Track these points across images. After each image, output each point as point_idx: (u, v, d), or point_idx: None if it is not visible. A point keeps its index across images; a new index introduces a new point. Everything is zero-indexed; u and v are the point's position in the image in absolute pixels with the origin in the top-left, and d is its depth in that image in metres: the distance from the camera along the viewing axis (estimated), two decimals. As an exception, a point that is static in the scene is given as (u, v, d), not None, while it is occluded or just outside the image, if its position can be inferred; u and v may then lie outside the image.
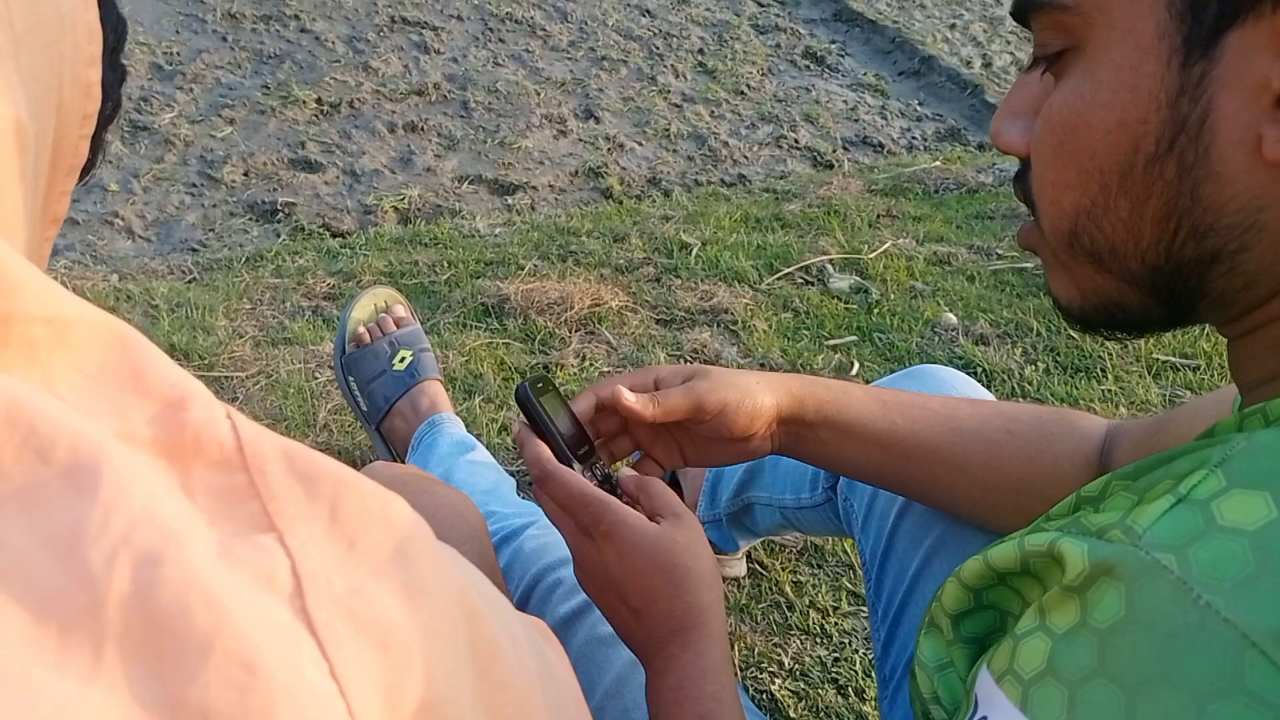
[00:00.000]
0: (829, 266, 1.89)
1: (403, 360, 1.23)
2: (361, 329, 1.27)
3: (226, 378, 1.40)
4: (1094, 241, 0.41)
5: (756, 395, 0.64)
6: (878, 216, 2.17)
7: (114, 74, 0.37)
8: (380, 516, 0.23)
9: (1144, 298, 0.42)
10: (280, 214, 2.21)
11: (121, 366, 0.23)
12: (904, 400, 0.68)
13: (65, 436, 0.20)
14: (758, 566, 1.17)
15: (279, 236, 2.11)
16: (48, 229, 0.34)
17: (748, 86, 3.26)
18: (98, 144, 0.35)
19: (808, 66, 3.55)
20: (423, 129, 2.66)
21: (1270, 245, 0.38)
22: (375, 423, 1.23)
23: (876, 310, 1.75)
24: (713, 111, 3.07)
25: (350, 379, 1.24)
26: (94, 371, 0.23)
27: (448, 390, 1.32)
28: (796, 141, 2.95)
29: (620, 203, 2.42)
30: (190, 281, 1.78)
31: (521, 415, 0.63)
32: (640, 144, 2.80)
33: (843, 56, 3.67)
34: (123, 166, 2.27)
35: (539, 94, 2.96)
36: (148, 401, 0.22)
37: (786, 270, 1.86)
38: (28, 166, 0.29)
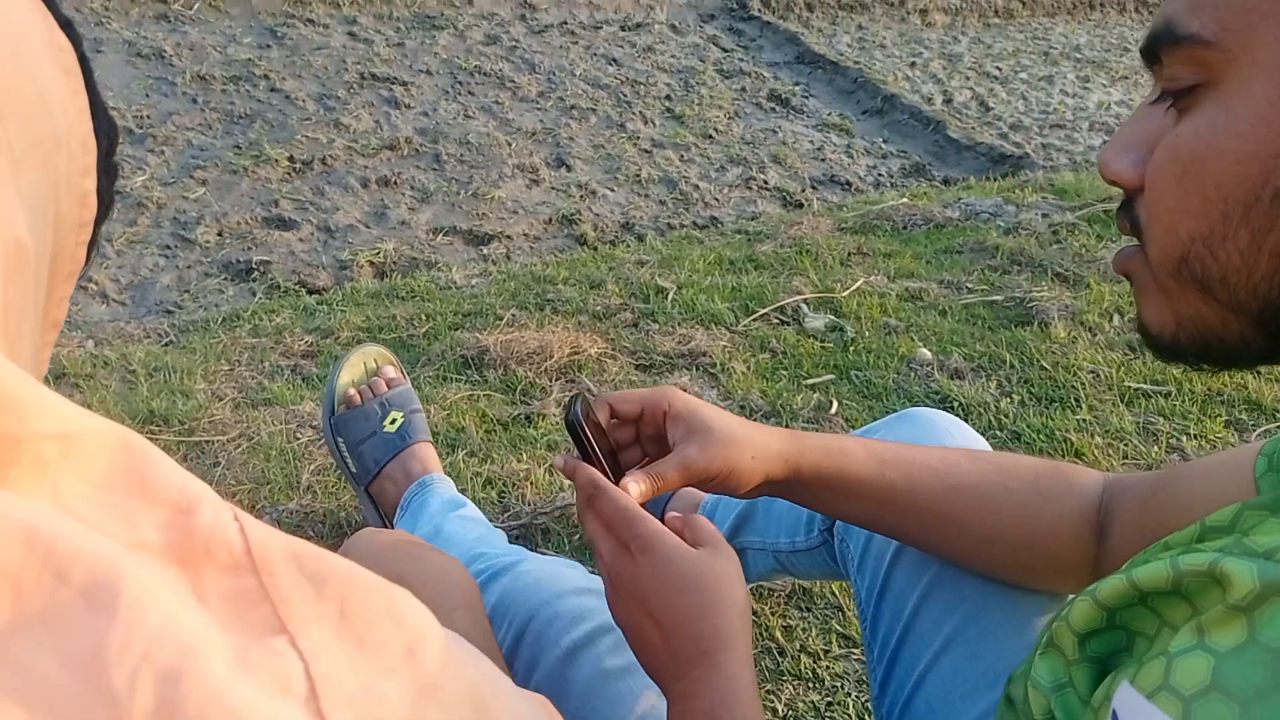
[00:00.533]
0: (804, 306, 1.92)
1: (394, 422, 1.22)
2: (352, 390, 1.26)
3: (208, 442, 1.39)
4: (1206, 269, 0.43)
5: (744, 468, 0.65)
6: (849, 254, 2.21)
7: (107, 178, 0.38)
8: (387, 614, 0.24)
9: (1247, 328, 0.43)
10: (256, 272, 2.21)
11: (129, 474, 0.24)
12: (902, 456, 0.69)
13: (83, 556, 0.20)
14: (747, 610, 1.17)
15: (255, 295, 2.11)
16: (47, 334, 0.35)
17: (715, 130, 3.32)
18: (92, 243, 0.36)
19: (773, 109, 3.61)
20: (396, 183, 2.68)
21: None
22: (365, 484, 1.22)
23: (852, 348, 1.77)
24: (682, 155, 3.12)
25: (340, 440, 1.23)
26: (101, 481, 0.23)
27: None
28: (766, 182, 3.00)
29: (595, 249, 2.44)
30: (167, 344, 1.78)
31: (570, 438, 0.64)
32: (612, 190, 2.83)
33: (807, 98, 3.75)
34: (95, 231, 2.27)
35: (510, 144, 2.99)
36: (156, 508, 0.23)
37: (762, 311, 1.89)
38: (28, 281, 0.30)
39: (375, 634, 0.23)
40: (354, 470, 1.22)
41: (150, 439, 1.38)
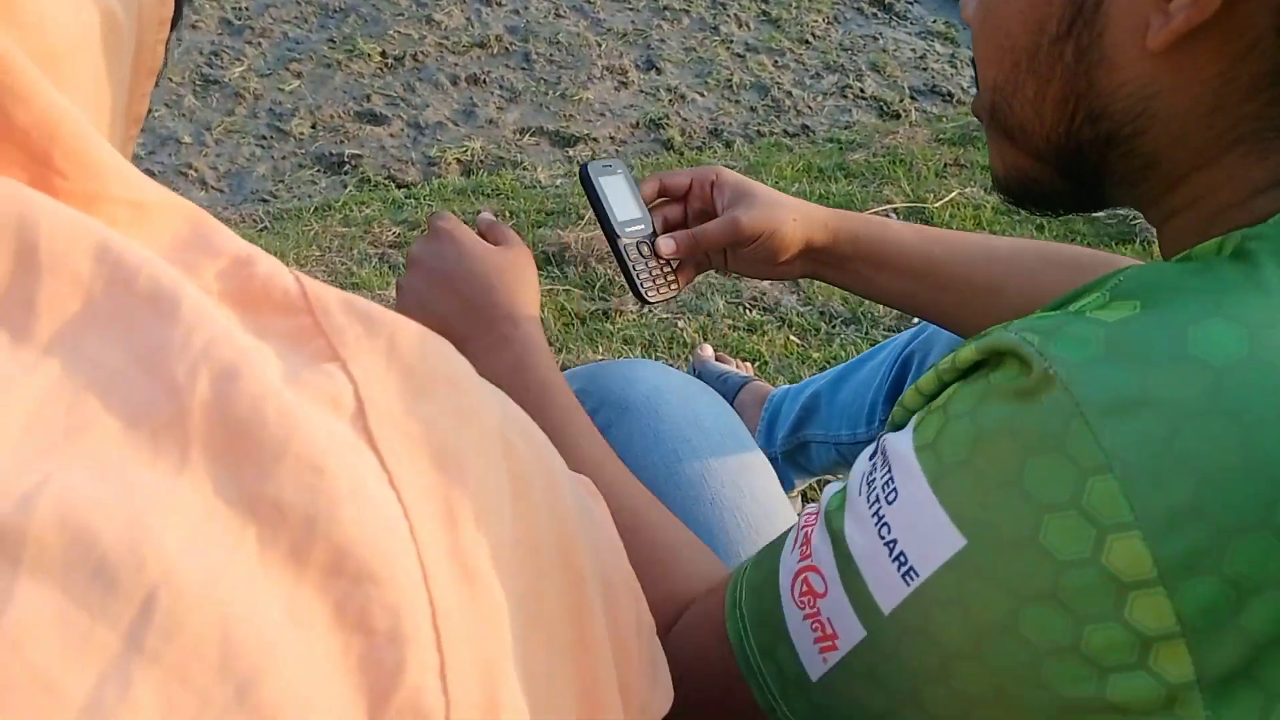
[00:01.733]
0: (893, 215, 1.86)
1: None
2: None
3: (296, 321, 1.44)
4: (1007, 119, 0.44)
5: (787, 230, 0.68)
6: (945, 166, 2.13)
7: None
8: (434, 351, 0.25)
9: (1053, 175, 0.45)
10: (347, 165, 2.25)
11: (193, 238, 0.25)
12: (941, 233, 0.72)
13: (147, 267, 0.22)
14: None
15: (346, 187, 2.15)
16: (130, 128, 0.36)
17: (813, 35, 3.19)
18: (167, 46, 0.37)
19: (875, 14, 3.45)
20: (485, 81, 2.67)
21: (1163, 130, 0.39)
22: None
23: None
24: (776, 61, 3.02)
25: None
26: (168, 243, 0.25)
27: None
28: (862, 91, 2.88)
29: (681, 154, 2.40)
30: (262, 230, 1.83)
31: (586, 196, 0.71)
32: (702, 95, 2.77)
33: (911, 3, 3.57)
34: (195, 119, 2.33)
35: (600, 45, 2.94)
36: (217, 259, 0.24)
37: (849, 219, 1.84)
38: (121, 58, 0.31)
39: (423, 366, 0.24)
40: None
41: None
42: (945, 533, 0.36)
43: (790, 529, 0.45)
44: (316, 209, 1.93)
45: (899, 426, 0.41)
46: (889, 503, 0.38)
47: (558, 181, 2.13)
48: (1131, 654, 0.33)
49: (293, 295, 0.24)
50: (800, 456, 0.99)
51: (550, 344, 1.42)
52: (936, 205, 1.89)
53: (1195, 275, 0.36)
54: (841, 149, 2.31)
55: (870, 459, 0.42)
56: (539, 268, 1.65)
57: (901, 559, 0.37)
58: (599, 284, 1.60)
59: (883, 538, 0.38)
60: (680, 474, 0.59)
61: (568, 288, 1.60)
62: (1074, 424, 0.33)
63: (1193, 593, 0.31)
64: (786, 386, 1.04)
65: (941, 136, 2.34)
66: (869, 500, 0.39)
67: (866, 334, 1.48)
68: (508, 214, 1.87)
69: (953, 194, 1.94)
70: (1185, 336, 0.33)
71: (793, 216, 0.68)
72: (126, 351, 0.20)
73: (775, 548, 0.45)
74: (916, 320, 1.52)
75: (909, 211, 1.88)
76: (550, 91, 2.66)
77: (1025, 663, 0.34)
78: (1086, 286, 0.39)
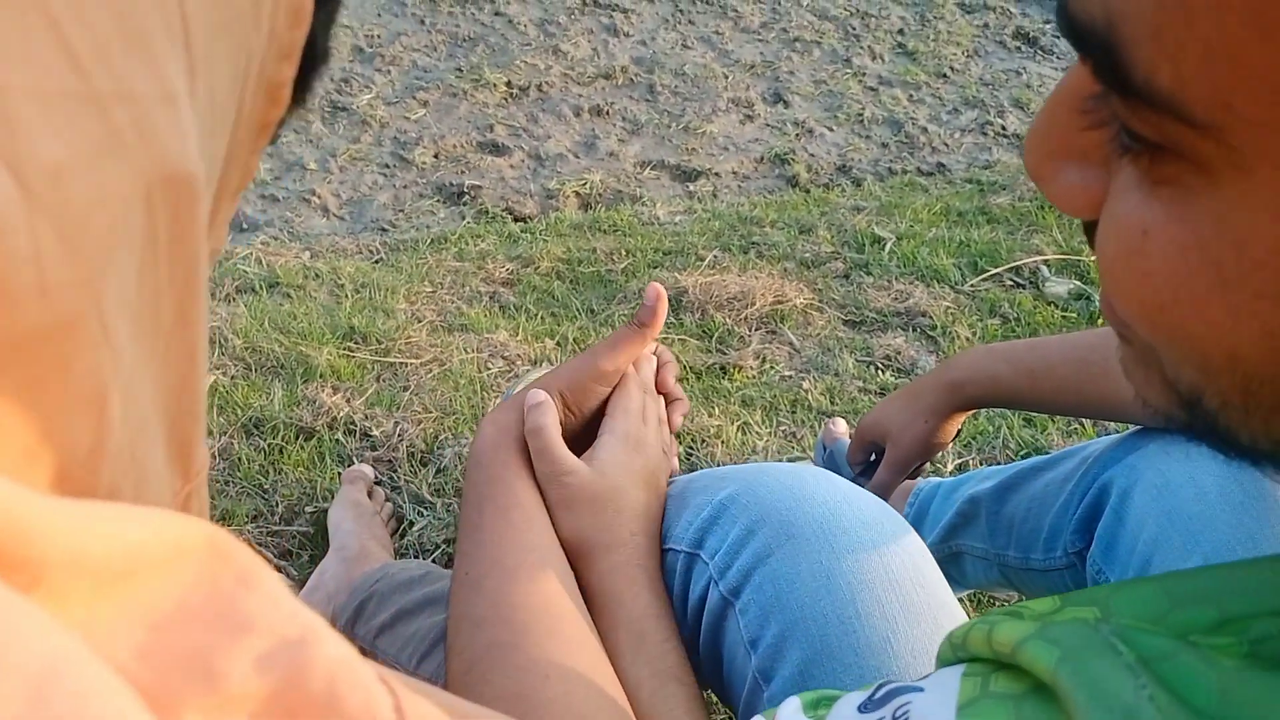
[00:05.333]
0: (1044, 268, 1.69)
1: None
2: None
3: (401, 364, 1.39)
4: (1214, 430, 0.28)
5: (919, 430, 0.80)
6: (1101, 213, 1.94)
7: (315, 55, 0.28)
8: None
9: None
10: (466, 196, 2.22)
11: (208, 603, 0.15)
12: (1039, 358, 0.74)
13: None
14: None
15: (464, 219, 2.12)
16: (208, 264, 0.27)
17: (951, 69, 3.03)
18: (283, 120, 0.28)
19: (1018, 48, 3.26)
20: (608, 112, 2.62)
21: None
22: None
23: (1101, 319, 1.54)
24: (911, 95, 2.87)
25: None
26: (150, 636, 0.14)
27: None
28: (1004, 128, 2.71)
29: (807, 191, 2.29)
30: (377, 261, 1.80)
31: None
32: (831, 129, 2.64)
33: (1057, 38, 3.35)
34: (321, 146, 2.35)
35: (726, 76, 2.85)
36: (249, 642, 0.15)
37: (994, 270, 1.68)
38: (191, 223, 0.21)
39: None
40: None
41: (347, 356, 1.39)
42: None
43: None
44: (433, 240, 1.90)
45: (946, 662, 0.30)
46: None
47: (677, 218, 2.04)
48: None
49: (378, 709, 0.14)
50: (951, 567, 0.86)
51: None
52: (1093, 259, 1.71)
53: None
54: (983, 191, 2.15)
55: (868, 712, 0.31)
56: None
57: None
58: (717, 334, 1.50)
59: None
60: (859, 633, 0.47)
61: (683, 337, 1.50)
62: None
63: None
64: (936, 481, 0.92)
65: (1096, 180, 2.15)
66: None
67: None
68: (624, 252, 1.79)
69: (1111, 246, 1.76)
70: None
71: (925, 419, 0.79)
72: None
73: None
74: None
75: (1062, 264, 1.71)
76: (673, 124, 2.59)
77: None
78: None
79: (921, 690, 0.30)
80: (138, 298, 0.20)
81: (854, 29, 3.27)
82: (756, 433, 1.27)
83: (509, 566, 0.52)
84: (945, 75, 3.00)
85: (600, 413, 0.62)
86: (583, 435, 0.61)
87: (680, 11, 3.28)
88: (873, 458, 0.90)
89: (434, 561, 1.04)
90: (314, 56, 0.27)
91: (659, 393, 0.67)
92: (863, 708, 0.31)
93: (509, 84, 2.70)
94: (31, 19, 0.17)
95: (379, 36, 2.91)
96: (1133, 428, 0.68)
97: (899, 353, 1.46)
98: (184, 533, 0.16)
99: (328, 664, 0.14)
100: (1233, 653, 0.25)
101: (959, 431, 0.85)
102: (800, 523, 0.51)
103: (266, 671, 0.14)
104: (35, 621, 0.12)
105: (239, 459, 1.16)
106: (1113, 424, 1.21)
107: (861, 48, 3.13)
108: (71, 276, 0.17)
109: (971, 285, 1.65)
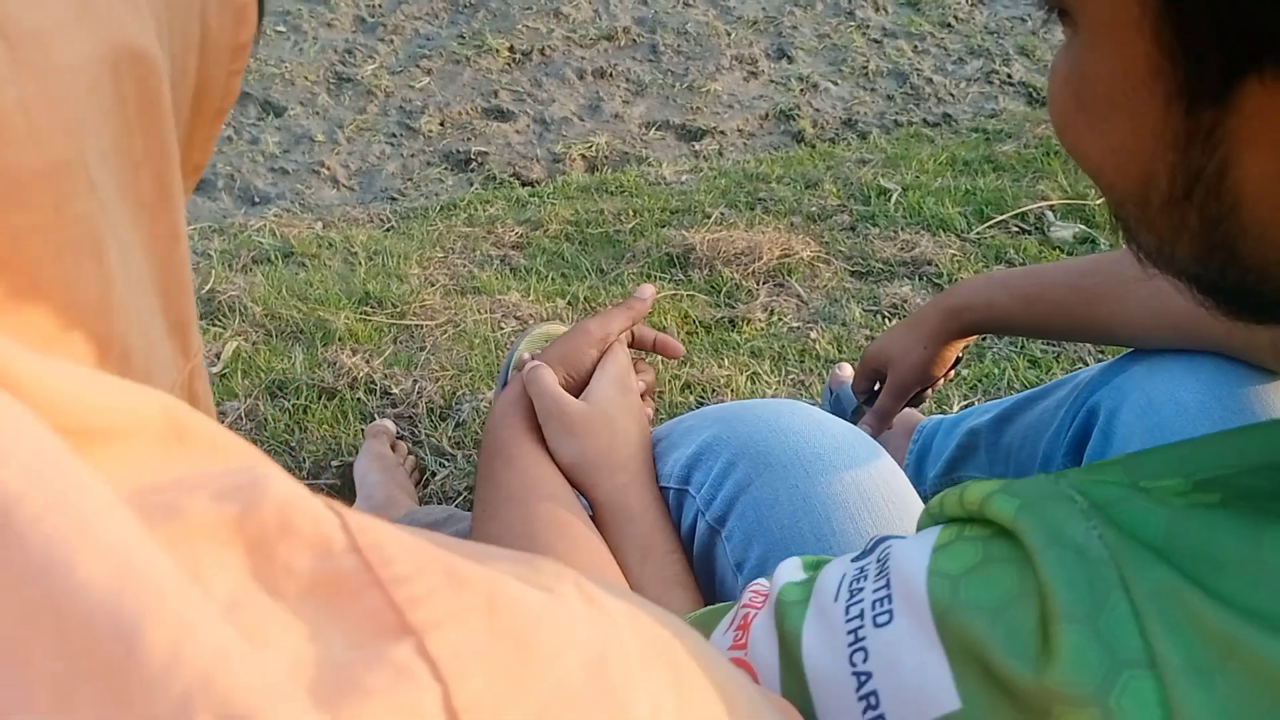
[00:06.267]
0: (1049, 213, 1.70)
1: None
2: (527, 355, 1.18)
3: (416, 326, 1.42)
4: (1137, 245, 0.34)
5: (916, 357, 0.82)
6: (1106, 158, 1.94)
7: None
8: (552, 608, 0.17)
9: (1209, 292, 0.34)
10: (474, 163, 2.24)
11: (167, 462, 0.17)
12: (1039, 285, 0.76)
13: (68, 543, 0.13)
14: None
15: (472, 185, 2.14)
16: (189, 178, 0.30)
17: (955, 18, 3.01)
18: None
19: (1025, -7, 3.23)
20: (611, 74, 2.62)
21: None
22: None
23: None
24: (916, 46, 2.85)
25: None
26: (134, 484, 0.16)
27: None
28: (1009, 76, 2.69)
29: (813, 146, 2.29)
30: (388, 230, 1.83)
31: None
32: (835, 83, 2.64)
33: (1066, -20, 3.32)
34: (328, 117, 2.37)
35: (729, 34, 2.84)
36: (209, 483, 0.16)
37: (1000, 217, 1.69)
38: (155, 102, 0.24)
39: (544, 636, 0.15)
40: None
41: (364, 320, 1.43)
42: (939, 687, 0.28)
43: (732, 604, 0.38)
44: (442, 208, 1.92)
45: (923, 526, 0.34)
46: (877, 625, 0.31)
47: (683, 178, 2.05)
48: None
49: (325, 527, 0.15)
50: (953, 498, 0.89)
51: (673, 353, 1.36)
52: (1099, 202, 1.72)
53: None
54: (988, 140, 2.15)
55: (857, 560, 0.34)
56: (661, 271, 1.59)
57: (871, 701, 0.30)
58: (725, 288, 1.52)
59: (854, 665, 0.30)
60: (835, 548, 0.51)
61: (692, 293, 1.52)
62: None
63: None
64: (939, 417, 0.94)
65: (1102, 125, 2.15)
66: (847, 612, 0.32)
67: (1023, 349, 1.35)
68: (631, 212, 1.81)
69: (1116, 190, 1.77)
70: None
71: (924, 345, 0.81)
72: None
73: (708, 620, 0.38)
74: (1099, 350, 1.37)
75: (1067, 209, 1.72)
76: (677, 84, 2.59)
77: None
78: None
79: (904, 538, 0.34)
80: (117, 163, 0.23)
81: (857, -19, 3.25)
82: (765, 381, 1.30)
83: (519, 497, 0.57)
84: (950, 25, 2.98)
85: (591, 375, 0.68)
86: (578, 396, 0.67)
87: (681, -30, 3.26)
88: (876, 386, 0.92)
89: (457, 508, 1.08)
90: None
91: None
92: (855, 558, 0.35)
93: (511, 49, 2.71)
94: None
95: (380, 6, 2.91)
96: (1124, 352, 0.70)
97: (905, 301, 1.48)
98: (143, 401, 0.17)
99: (278, 496, 0.15)
100: (1179, 492, 0.29)
101: (959, 360, 0.86)
102: (776, 452, 0.55)
103: (223, 503, 0.15)
104: (33, 422, 0.14)
105: (265, 420, 1.20)
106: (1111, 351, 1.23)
107: (865, 0, 3.11)
108: (57, 125, 0.20)
109: (977, 233, 1.67)
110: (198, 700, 0.12)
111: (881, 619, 0.31)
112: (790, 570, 0.36)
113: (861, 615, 0.31)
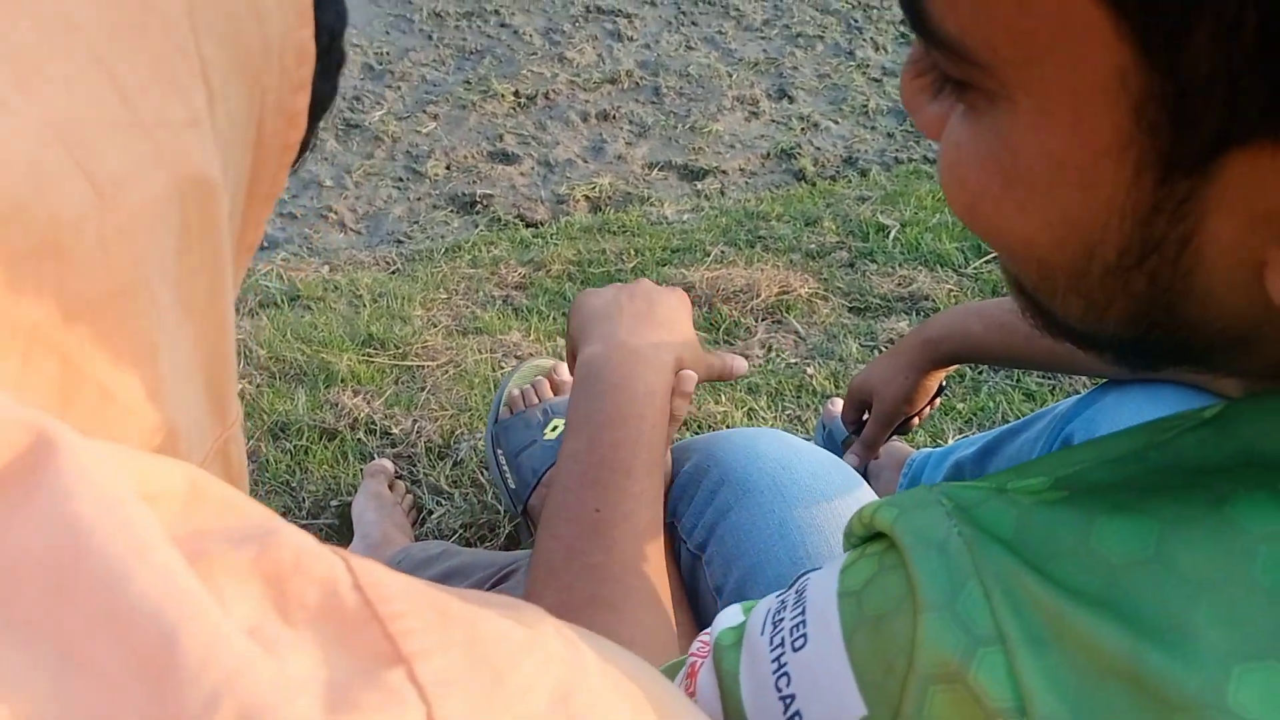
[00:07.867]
0: (1045, 248, 1.72)
1: (555, 429, 1.09)
2: (516, 391, 1.16)
3: (418, 367, 1.44)
4: (1042, 315, 0.34)
5: (898, 387, 0.84)
6: (1103, 192, 1.96)
7: (327, 81, 0.33)
8: (530, 646, 0.19)
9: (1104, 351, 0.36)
10: (479, 205, 2.27)
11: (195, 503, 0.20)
12: (1009, 316, 0.77)
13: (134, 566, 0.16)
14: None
15: (477, 227, 2.17)
16: (240, 257, 0.32)
17: (955, 56, 3.05)
18: (308, 141, 0.33)
19: (1023, 31, 3.27)
20: (615, 117, 2.67)
21: (1274, 344, 0.30)
22: (522, 502, 1.09)
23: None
24: (916, 85, 2.89)
25: (499, 452, 1.13)
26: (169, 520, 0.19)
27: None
28: (1009, 113, 2.73)
29: (814, 184, 2.32)
30: (393, 272, 1.86)
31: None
32: (836, 122, 2.68)
33: (1064, 18, 3.36)
34: (336, 163, 2.42)
35: (731, 76, 2.89)
36: (230, 532, 0.19)
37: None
38: (214, 222, 0.27)
39: (518, 671, 0.18)
40: (513, 486, 1.12)
41: (366, 361, 1.45)
42: (851, 697, 0.32)
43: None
44: (447, 250, 1.95)
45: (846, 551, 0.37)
46: (795, 649, 0.34)
47: (685, 217, 2.08)
48: None
49: (333, 567, 0.18)
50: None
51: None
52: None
53: None
54: (987, 176, 2.17)
55: (780, 596, 0.37)
56: (663, 308, 1.61)
57: None
58: (724, 325, 1.54)
59: (779, 690, 0.34)
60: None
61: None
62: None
63: None
64: (929, 450, 0.96)
65: (1099, 160, 2.17)
66: (771, 643, 0.35)
67: (1018, 382, 1.36)
68: (633, 251, 1.83)
69: (1113, 223, 1.78)
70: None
71: (905, 375, 0.83)
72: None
73: (669, 673, 0.40)
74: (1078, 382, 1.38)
75: (1063, 243, 1.73)
76: (680, 125, 2.63)
77: None
78: None
79: (820, 569, 0.37)
80: (177, 275, 0.26)
81: (856, 21, 3.30)
82: (762, 417, 1.31)
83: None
84: (949, 63, 3.02)
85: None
86: None
87: (683, 13, 3.32)
88: (864, 416, 0.94)
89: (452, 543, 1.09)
90: (322, 97, 0.33)
91: None
92: (779, 594, 0.37)
93: (516, 93, 2.76)
94: (91, 71, 0.23)
95: (388, 53, 2.97)
96: (1099, 382, 0.71)
97: (902, 336, 1.49)
98: (172, 472, 0.20)
99: (291, 542, 0.18)
100: (1036, 490, 0.32)
101: (941, 389, 0.89)
102: (755, 479, 0.56)
103: (242, 548, 0.18)
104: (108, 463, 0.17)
105: (267, 460, 1.22)
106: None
107: (864, 39, 3.15)
108: (128, 254, 0.23)
109: (974, 268, 1.68)
110: (224, 696, 0.14)
111: (799, 643, 0.33)
112: (730, 616, 0.39)
113: (782, 643, 0.34)
